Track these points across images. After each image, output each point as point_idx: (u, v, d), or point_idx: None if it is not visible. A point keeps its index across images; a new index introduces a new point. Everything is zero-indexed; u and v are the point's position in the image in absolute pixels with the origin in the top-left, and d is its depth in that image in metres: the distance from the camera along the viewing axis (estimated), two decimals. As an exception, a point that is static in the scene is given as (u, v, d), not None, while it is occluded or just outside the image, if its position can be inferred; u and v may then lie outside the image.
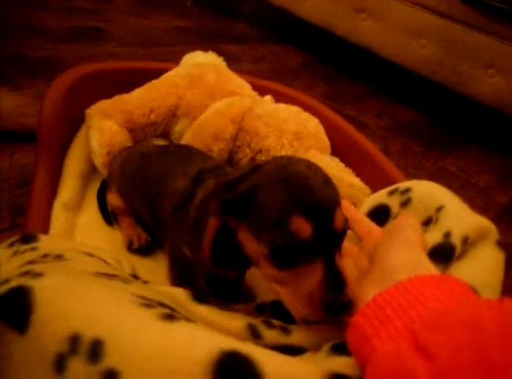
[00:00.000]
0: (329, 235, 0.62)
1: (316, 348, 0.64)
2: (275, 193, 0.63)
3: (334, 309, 0.59)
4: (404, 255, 0.63)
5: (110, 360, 0.47)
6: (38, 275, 0.56)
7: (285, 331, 0.69)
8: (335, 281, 0.60)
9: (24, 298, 0.51)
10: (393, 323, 0.50)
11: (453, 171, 1.91)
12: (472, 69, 2.09)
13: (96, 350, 0.48)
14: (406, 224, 0.70)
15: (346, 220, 0.67)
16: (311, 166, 0.68)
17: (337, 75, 2.62)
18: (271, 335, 0.67)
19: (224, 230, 0.68)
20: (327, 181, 0.67)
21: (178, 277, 0.91)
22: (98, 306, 0.52)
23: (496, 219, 1.61)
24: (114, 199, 1.08)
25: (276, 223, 0.61)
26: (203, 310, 0.68)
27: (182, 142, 1.21)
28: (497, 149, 2.21)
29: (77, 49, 2.03)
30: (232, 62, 1.45)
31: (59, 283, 0.56)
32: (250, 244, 0.66)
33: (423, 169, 1.86)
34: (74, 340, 0.48)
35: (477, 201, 1.71)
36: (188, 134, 1.20)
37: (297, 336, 0.68)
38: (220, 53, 1.51)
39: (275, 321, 0.70)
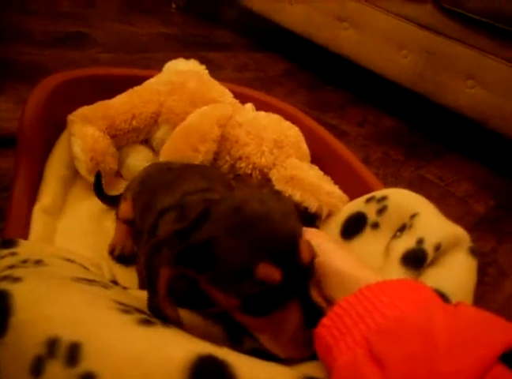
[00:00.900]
0: (298, 272, 0.61)
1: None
2: (233, 242, 0.60)
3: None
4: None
5: (87, 363, 0.48)
6: (17, 279, 0.57)
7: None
8: (315, 317, 0.59)
9: (3, 302, 0.52)
10: (350, 332, 0.51)
11: (432, 180, 1.94)
12: (451, 79, 2.12)
13: (73, 353, 0.48)
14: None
15: (312, 248, 0.65)
16: (264, 200, 0.65)
17: (320, 83, 2.64)
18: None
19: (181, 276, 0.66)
20: (284, 212, 0.64)
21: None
22: (76, 311, 0.53)
23: (472, 228, 1.63)
24: (125, 210, 1.07)
25: (242, 275, 0.59)
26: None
27: (166, 146, 1.21)
28: (476, 158, 2.24)
29: (60, 54, 2.02)
30: (215, 70, 1.46)
31: (38, 287, 0.56)
32: (217, 295, 0.63)
33: (402, 177, 1.88)
34: (52, 344, 0.49)
35: (455, 210, 1.73)
36: (174, 135, 1.20)
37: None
38: (202, 60, 1.51)
39: None
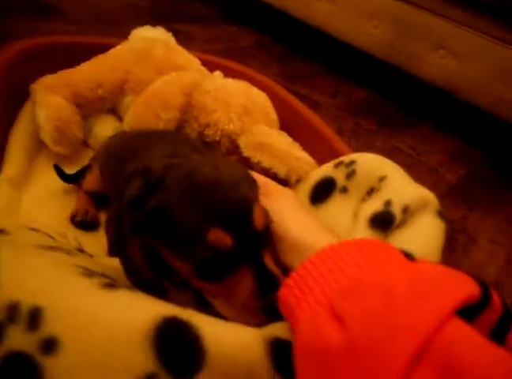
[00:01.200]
0: (251, 238, 0.61)
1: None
2: (185, 207, 0.60)
3: (275, 311, 0.57)
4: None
5: (49, 328, 0.47)
6: None
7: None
8: (268, 284, 0.59)
9: None
10: (313, 292, 0.51)
11: (405, 150, 1.94)
12: (423, 50, 2.12)
13: (34, 318, 0.47)
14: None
15: (266, 215, 0.65)
16: (218, 165, 0.65)
17: (291, 55, 2.62)
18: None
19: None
20: (237, 178, 0.65)
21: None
22: (37, 275, 0.52)
23: (444, 196, 1.64)
24: (90, 180, 1.07)
25: (193, 240, 0.59)
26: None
27: (129, 113, 1.19)
28: (448, 129, 2.25)
29: (25, 24, 1.96)
30: (186, 42, 1.43)
31: (0, 254, 0.55)
32: (173, 261, 0.64)
33: (374, 147, 1.88)
34: (13, 309, 0.48)
35: (427, 179, 1.75)
36: (137, 102, 1.18)
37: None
38: (173, 32, 1.49)
39: None
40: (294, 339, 0.51)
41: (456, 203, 1.66)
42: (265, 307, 0.58)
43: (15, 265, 0.53)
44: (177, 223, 0.60)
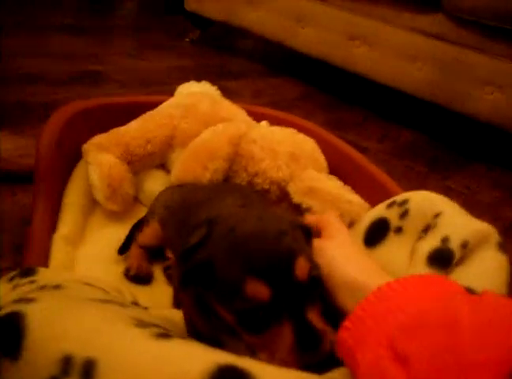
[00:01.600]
0: (292, 291, 0.60)
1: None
2: (227, 260, 0.61)
3: (316, 368, 0.55)
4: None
5: None
6: (31, 300, 0.56)
7: None
8: (307, 341, 0.58)
9: (16, 323, 0.51)
10: (372, 333, 0.49)
11: (459, 189, 1.90)
12: (469, 87, 2.09)
13: (88, 370, 0.46)
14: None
15: (313, 267, 0.63)
16: (263, 217, 0.66)
17: (337, 103, 2.63)
18: None
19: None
20: (281, 229, 0.64)
21: None
22: (90, 327, 0.51)
23: (504, 234, 1.58)
24: (148, 235, 1.08)
25: (233, 292, 0.60)
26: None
27: (177, 164, 1.21)
28: (502, 165, 2.20)
29: (76, 92, 2.05)
30: (232, 97, 1.45)
31: (52, 306, 0.55)
32: (221, 311, 0.64)
33: (426, 189, 1.84)
34: (67, 362, 0.47)
35: (484, 217, 1.69)
36: (184, 154, 1.20)
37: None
38: (219, 89, 1.52)
39: None
40: None
41: (517, 240, 1.60)
42: (305, 363, 0.56)
43: (67, 317, 0.52)
44: (220, 275, 0.62)
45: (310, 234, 0.70)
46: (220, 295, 0.63)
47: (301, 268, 0.61)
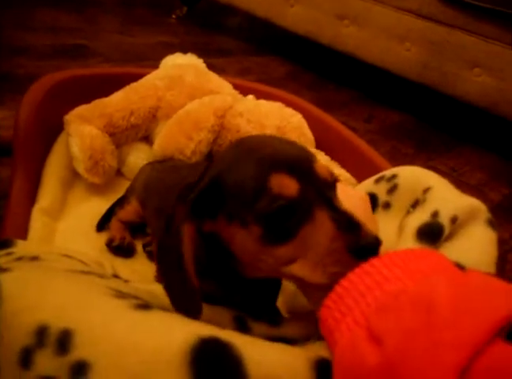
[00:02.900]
0: (317, 184, 0.55)
1: (305, 340, 0.62)
2: (240, 169, 0.57)
3: (364, 251, 0.51)
4: None
5: (79, 351, 0.45)
6: (5, 270, 0.55)
7: (273, 323, 0.66)
8: (348, 222, 0.53)
9: None
10: (351, 312, 0.47)
11: (445, 171, 1.89)
12: (458, 69, 2.08)
13: (64, 341, 0.45)
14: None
15: (331, 172, 0.59)
16: (270, 135, 0.64)
17: (323, 82, 2.62)
18: (259, 327, 0.64)
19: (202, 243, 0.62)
20: (293, 142, 0.61)
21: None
22: (67, 297, 0.50)
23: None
24: (128, 212, 1.06)
25: (256, 194, 0.54)
26: None
27: (162, 133, 1.19)
28: (487, 147, 2.21)
29: (60, 65, 2.01)
30: (217, 74, 1.42)
31: (27, 275, 0.54)
32: (238, 237, 0.58)
33: (413, 169, 1.84)
34: (41, 332, 0.46)
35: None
36: (168, 124, 1.18)
37: (286, 328, 0.66)
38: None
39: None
40: (333, 362, 0.47)
41: (502, 222, 1.60)
42: (351, 246, 0.51)
43: (43, 287, 0.51)
44: (235, 185, 0.56)
45: None
46: (238, 209, 0.56)
47: (321, 166, 0.58)
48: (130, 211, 1.06)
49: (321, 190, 0.55)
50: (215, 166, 0.60)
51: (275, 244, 0.55)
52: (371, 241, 0.52)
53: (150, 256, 1.03)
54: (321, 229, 0.53)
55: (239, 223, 0.56)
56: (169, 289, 0.58)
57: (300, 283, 0.59)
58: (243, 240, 0.57)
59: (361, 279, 0.49)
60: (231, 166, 0.58)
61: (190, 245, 0.57)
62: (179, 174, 0.97)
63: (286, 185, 0.53)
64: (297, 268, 0.55)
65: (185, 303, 0.57)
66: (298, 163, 0.56)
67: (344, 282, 0.50)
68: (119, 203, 1.10)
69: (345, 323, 0.47)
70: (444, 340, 0.38)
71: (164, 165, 1.09)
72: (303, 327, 0.66)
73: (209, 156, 1.22)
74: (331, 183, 0.58)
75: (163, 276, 0.61)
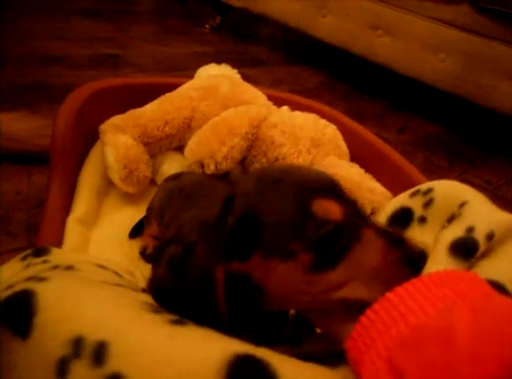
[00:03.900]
0: (353, 205, 0.57)
1: (334, 360, 0.61)
2: (276, 197, 0.55)
3: (415, 262, 0.53)
4: None
5: (114, 363, 0.45)
6: (43, 279, 0.55)
7: (295, 342, 0.65)
8: (394, 237, 0.54)
9: (27, 302, 0.50)
10: (375, 345, 0.46)
11: (480, 184, 1.86)
12: (494, 80, 2.05)
13: (99, 353, 0.46)
14: None
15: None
16: (287, 164, 0.64)
17: (356, 93, 2.61)
18: (281, 348, 0.64)
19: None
20: (312, 168, 0.63)
21: None
22: (103, 309, 0.50)
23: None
24: (152, 231, 1.05)
25: (301, 222, 0.53)
26: None
27: (195, 137, 1.19)
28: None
29: (95, 75, 2.04)
30: (251, 85, 1.42)
31: (63, 286, 0.54)
32: (277, 272, 0.55)
33: (447, 182, 1.82)
34: (77, 343, 0.46)
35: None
36: (203, 129, 1.18)
37: (309, 345, 0.65)
38: (239, 76, 1.50)
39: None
40: None
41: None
42: (403, 259, 0.53)
43: (80, 298, 0.51)
44: (272, 217, 0.55)
45: None
46: (277, 243, 0.54)
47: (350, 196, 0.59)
48: (153, 230, 1.05)
49: (359, 210, 0.57)
50: (239, 201, 0.58)
51: (326, 270, 0.54)
52: (419, 252, 0.53)
53: (149, 260, 1.04)
54: (371, 246, 0.54)
55: (279, 257, 0.55)
56: None
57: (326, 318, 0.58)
58: (285, 274, 0.55)
59: (386, 310, 0.48)
60: (263, 198, 0.56)
61: (222, 291, 0.55)
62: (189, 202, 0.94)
63: (330, 209, 0.54)
64: (350, 291, 0.54)
65: None
66: (331, 187, 0.57)
67: (369, 313, 0.49)
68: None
69: (369, 355, 0.46)
70: (464, 374, 0.38)
71: (178, 182, 1.07)
72: (326, 342, 0.66)
73: (242, 164, 1.22)
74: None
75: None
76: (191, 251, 0.56)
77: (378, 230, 0.55)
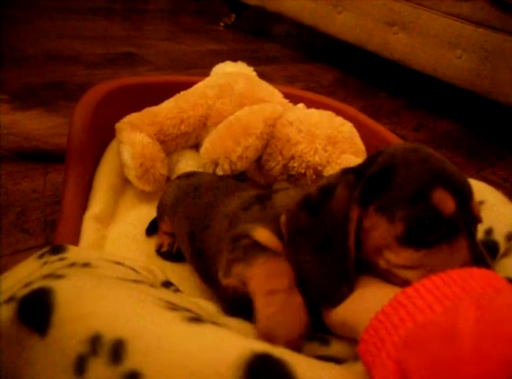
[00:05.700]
0: (469, 216, 0.60)
1: (354, 360, 0.60)
2: (413, 169, 0.60)
3: None
4: None
5: (132, 361, 0.45)
6: (60, 276, 0.55)
7: (324, 341, 0.65)
8: (481, 258, 0.57)
9: (45, 299, 0.50)
10: (385, 346, 0.47)
11: (497, 181, 1.85)
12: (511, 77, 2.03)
13: (117, 351, 0.46)
14: None
15: (479, 211, 0.64)
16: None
17: (371, 90, 2.60)
18: (310, 345, 0.63)
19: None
20: (461, 172, 0.65)
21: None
22: (120, 307, 0.50)
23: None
24: (166, 227, 1.06)
25: (416, 198, 0.58)
26: (233, 322, 0.64)
27: (210, 136, 1.19)
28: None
29: (110, 73, 2.05)
30: (266, 82, 1.43)
31: (81, 284, 0.54)
32: (379, 228, 0.61)
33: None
34: (95, 341, 0.47)
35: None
36: (218, 128, 1.18)
37: (336, 347, 0.64)
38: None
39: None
40: None
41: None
42: None
43: (97, 296, 0.52)
44: (401, 181, 0.60)
45: None
46: (392, 203, 0.60)
47: (476, 203, 0.62)
48: (167, 227, 1.05)
49: (470, 223, 0.60)
50: (384, 157, 0.64)
51: (409, 246, 0.59)
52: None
53: (165, 257, 1.04)
54: (457, 253, 0.57)
55: (386, 217, 0.60)
56: (307, 273, 0.63)
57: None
58: (382, 233, 0.61)
59: (395, 310, 0.48)
60: (406, 163, 0.61)
61: (354, 230, 0.61)
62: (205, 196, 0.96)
63: (446, 202, 0.58)
64: (415, 275, 0.58)
65: (330, 288, 0.61)
66: (462, 190, 0.60)
67: (379, 314, 0.49)
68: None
69: (380, 358, 0.46)
70: (469, 374, 0.37)
71: (192, 180, 1.07)
72: (353, 346, 0.65)
73: (257, 163, 1.22)
74: (477, 221, 0.62)
75: (295, 259, 0.64)
76: (330, 193, 0.64)
77: (473, 247, 0.58)
